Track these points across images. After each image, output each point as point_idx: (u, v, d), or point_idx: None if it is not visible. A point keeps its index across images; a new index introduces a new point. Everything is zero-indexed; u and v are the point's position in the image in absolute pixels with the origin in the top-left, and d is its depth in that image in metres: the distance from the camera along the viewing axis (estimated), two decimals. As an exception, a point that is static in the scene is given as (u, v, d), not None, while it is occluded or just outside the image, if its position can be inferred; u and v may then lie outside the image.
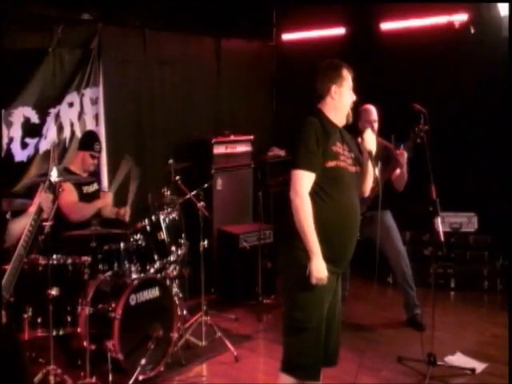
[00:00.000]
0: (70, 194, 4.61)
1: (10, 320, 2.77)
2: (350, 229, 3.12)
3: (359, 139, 3.28)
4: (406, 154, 4.89)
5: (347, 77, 3.19)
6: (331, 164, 3.05)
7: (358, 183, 3.27)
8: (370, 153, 3.21)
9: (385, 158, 5.14)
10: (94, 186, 4.93)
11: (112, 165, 5.58)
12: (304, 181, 3.04)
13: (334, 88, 3.15)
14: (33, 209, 2.99)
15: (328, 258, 3.05)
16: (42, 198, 2.99)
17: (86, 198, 4.76)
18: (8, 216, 3.66)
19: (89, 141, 4.87)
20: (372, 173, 3.24)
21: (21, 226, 2.94)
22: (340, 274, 3.26)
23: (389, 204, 5.12)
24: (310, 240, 3.02)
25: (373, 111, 5.13)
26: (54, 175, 3.11)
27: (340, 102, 3.16)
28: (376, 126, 5.03)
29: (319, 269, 3.01)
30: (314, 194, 3.08)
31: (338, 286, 3.29)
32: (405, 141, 4.67)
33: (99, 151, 4.90)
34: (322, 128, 3.09)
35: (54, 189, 3.15)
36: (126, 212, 4.90)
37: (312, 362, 3.10)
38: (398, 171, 5.03)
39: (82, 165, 4.80)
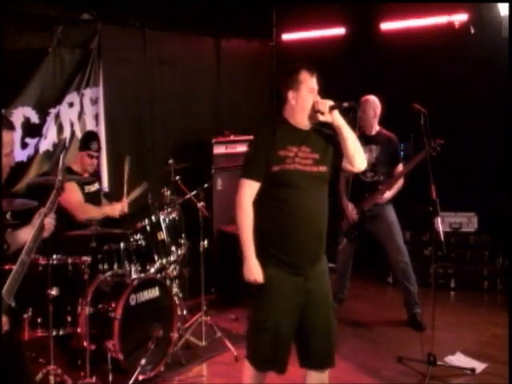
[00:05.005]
0: (75, 194, 4.61)
1: (12, 324, 2.77)
2: (302, 230, 3.12)
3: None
4: (401, 167, 5.13)
5: (306, 80, 3.17)
6: (275, 168, 3.10)
7: (322, 181, 3.22)
8: (337, 127, 3.15)
9: (388, 152, 5.17)
10: (95, 186, 4.92)
11: (112, 165, 5.58)
12: (245, 189, 3.17)
13: (291, 94, 3.18)
14: (37, 221, 3.00)
15: (283, 262, 3.12)
16: (46, 223, 3.02)
17: (88, 197, 4.75)
18: (8, 216, 3.67)
19: (86, 141, 4.85)
20: (351, 143, 3.14)
21: (26, 237, 2.95)
22: (308, 276, 3.17)
23: (392, 198, 5.20)
24: (244, 243, 3.15)
25: (367, 103, 5.20)
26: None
27: (298, 105, 3.17)
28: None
29: (248, 271, 3.13)
30: (264, 199, 3.17)
31: (318, 287, 3.21)
32: (410, 147, 4.62)
33: (97, 150, 4.81)
34: (272, 135, 3.15)
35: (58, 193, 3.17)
36: (124, 204, 4.86)
37: (269, 358, 3.18)
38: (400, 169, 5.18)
39: (81, 165, 4.79)
